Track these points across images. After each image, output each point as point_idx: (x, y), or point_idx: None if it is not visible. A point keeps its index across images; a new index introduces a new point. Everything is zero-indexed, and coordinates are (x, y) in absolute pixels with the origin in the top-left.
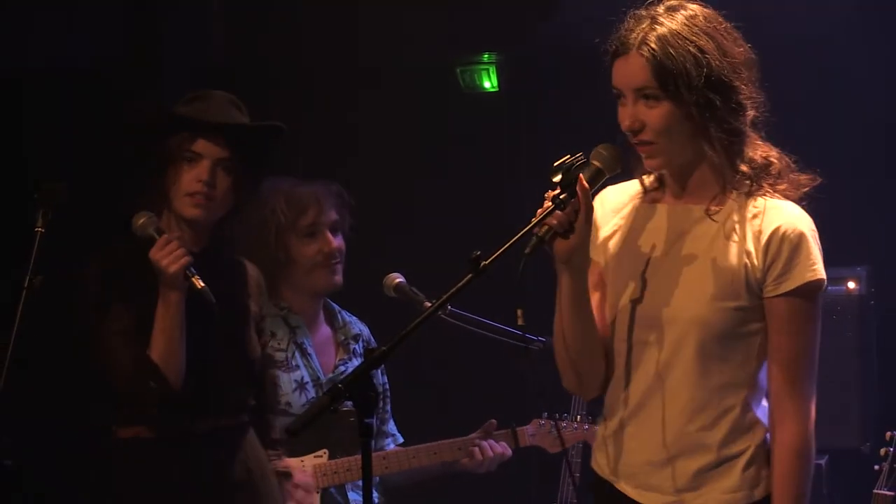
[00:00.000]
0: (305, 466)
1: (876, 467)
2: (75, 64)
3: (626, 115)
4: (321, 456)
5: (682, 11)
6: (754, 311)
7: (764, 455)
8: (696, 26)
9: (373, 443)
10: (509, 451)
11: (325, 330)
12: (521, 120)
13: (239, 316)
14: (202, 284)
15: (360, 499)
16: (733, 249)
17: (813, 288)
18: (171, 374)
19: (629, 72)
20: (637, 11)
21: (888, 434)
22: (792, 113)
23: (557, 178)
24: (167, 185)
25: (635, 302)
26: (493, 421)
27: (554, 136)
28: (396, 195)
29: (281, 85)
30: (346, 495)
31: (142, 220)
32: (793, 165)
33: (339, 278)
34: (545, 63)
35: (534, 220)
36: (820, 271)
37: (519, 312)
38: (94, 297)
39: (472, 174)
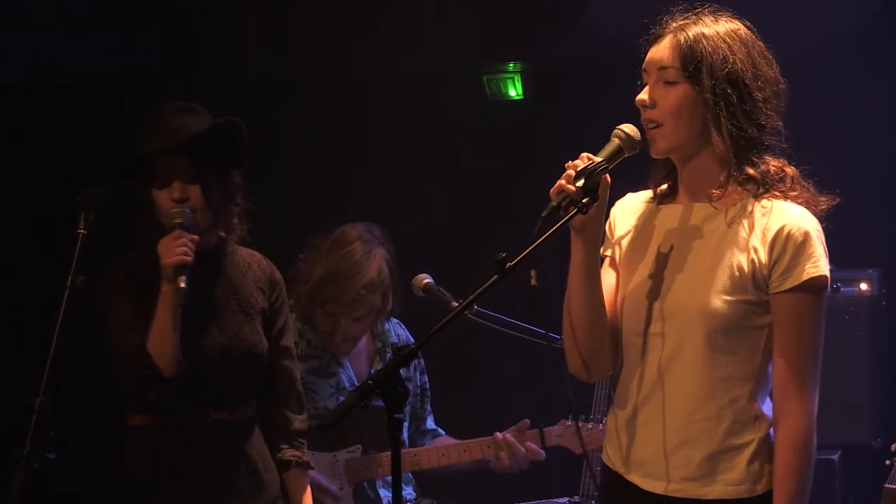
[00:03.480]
0: (338, 460)
1: (887, 462)
2: (118, 74)
3: (645, 91)
4: (354, 451)
5: (726, 20)
6: (761, 305)
7: (767, 450)
8: (735, 33)
9: (411, 441)
10: (542, 453)
11: (362, 339)
12: (545, 127)
13: (241, 311)
14: (182, 286)
15: (391, 494)
16: (741, 245)
17: (816, 284)
18: (163, 361)
19: (658, 51)
20: (686, 10)
21: None
22: (809, 117)
23: (580, 184)
24: (151, 210)
25: (645, 294)
26: (527, 420)
27: (577, 143)
28: (424, 199)
29: (312, 96)
30: (378, 491)
31: (172, 211)
32: (811, 186)
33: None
34: (569, 72)
35: (552, 199)
36: (822, 268)
37: (532, 273)
38: (105, 297)
39: (497, 180)
